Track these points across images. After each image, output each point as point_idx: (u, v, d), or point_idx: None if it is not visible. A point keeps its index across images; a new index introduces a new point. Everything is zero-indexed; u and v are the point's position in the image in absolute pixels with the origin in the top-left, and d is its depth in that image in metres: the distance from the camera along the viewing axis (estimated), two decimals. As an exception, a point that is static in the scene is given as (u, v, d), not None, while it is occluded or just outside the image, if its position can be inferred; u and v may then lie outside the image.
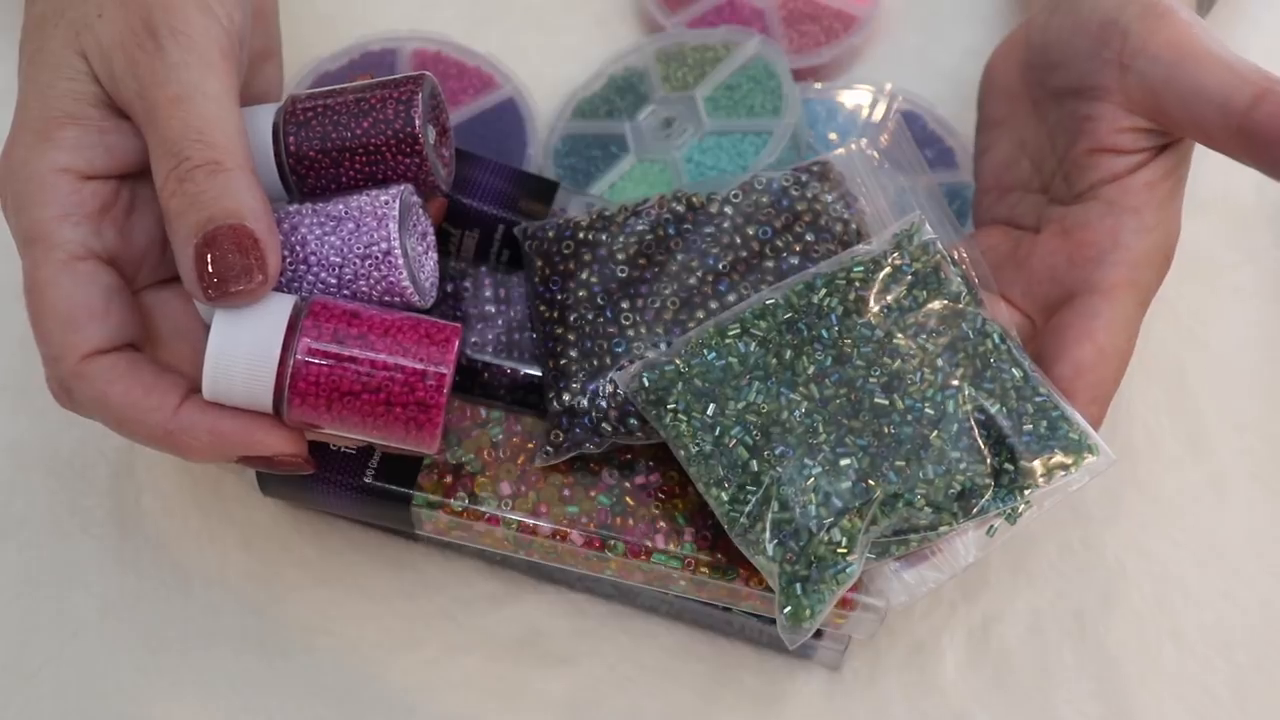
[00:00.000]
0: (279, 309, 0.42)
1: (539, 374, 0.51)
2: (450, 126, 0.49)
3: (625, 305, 0.49)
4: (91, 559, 0.55)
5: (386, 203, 0.44)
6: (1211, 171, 0.63)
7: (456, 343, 0.43)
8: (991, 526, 0.45)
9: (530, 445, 0.49)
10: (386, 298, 0.44)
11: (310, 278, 0.44)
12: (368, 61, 0.65)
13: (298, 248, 0.44)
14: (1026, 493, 0.45)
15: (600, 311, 0.49)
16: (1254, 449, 0.58)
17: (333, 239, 0.44)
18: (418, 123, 0.45)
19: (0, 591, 0.54)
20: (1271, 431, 0.59)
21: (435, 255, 0.48)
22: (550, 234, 0.51)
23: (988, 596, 0.55)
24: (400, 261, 0.44)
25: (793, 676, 0.53)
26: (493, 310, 0.53)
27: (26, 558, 0.55)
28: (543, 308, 0.50)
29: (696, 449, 0.45)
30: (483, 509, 0.48)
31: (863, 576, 0.47)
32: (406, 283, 0.44)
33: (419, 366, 0.42)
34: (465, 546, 0.52)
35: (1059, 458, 0.45)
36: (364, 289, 0.44)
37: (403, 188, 0.45)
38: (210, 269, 0.40)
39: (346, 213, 0.44)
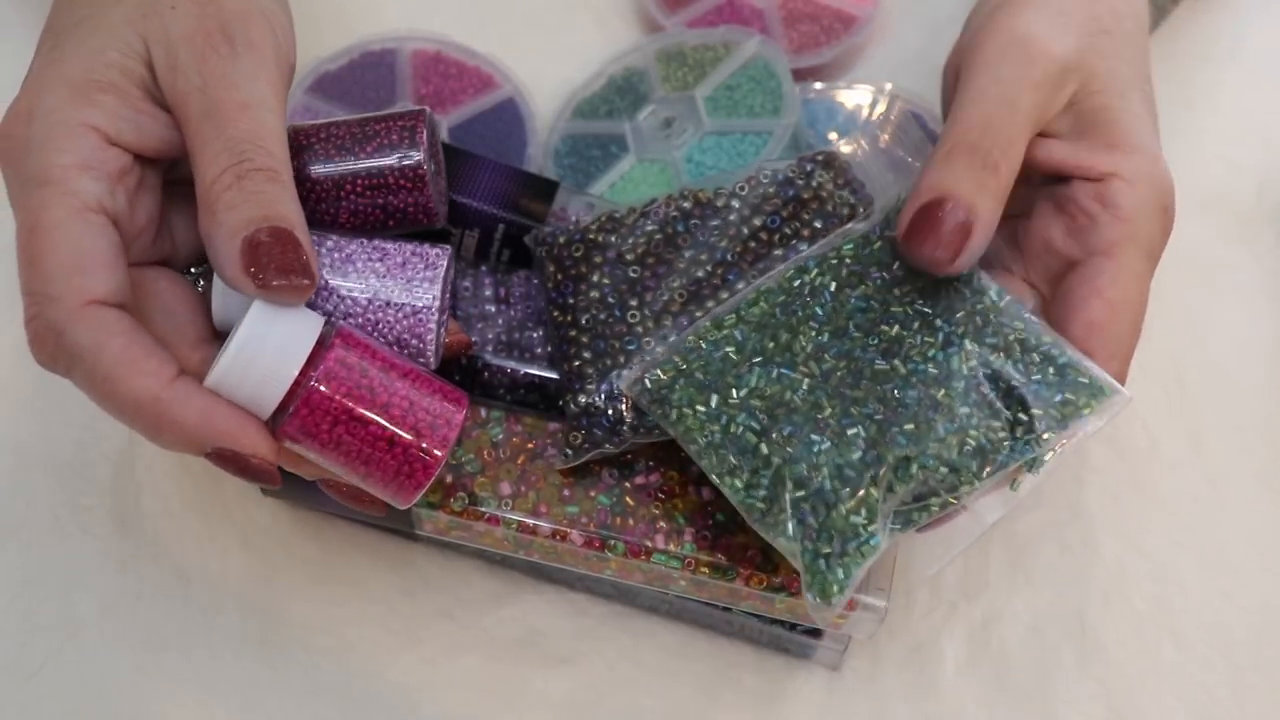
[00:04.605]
0: (311, 323, 0.42)
1: (539, 374, 0.51)
2: (444, 167, 0.49)
3: (634, 303, 0.49)
4: (91, 559, 0.55)
5: (438, 255, 0.45)
6: (1212, 172, 0.63)
7: (466, 409, 0.43)
8: (1015, 480, 0.45)
9: (530, 445, 0.49)
10: (398, 345, 0.44)
11: (337, 299, 0.44)
12: (368, 61, 0.65)
13: (338, 272, 0.44)
14: (1045, 437, 0.44)
15: (611, 311, 0.49)
16: (1254, 449, 0.58)
17: (378, 267, 0.44)
18: (423, 148, 0.45)
19: (0, 591, 0.54)
20: (1271, 431, 0.59)
21: (448, 324, 0.48)
22: (561, 239, 0.51)
23: (988, 596, 0.55)
24: (433, 317, 0.44)
25: (793, 676, 0.53)
26: (493, 310, 0.53)
27: (26, 558, 0.55)
28: (556, 312, 0.50)
29: (705, 440, 0.45)
30: (482, 509, 0.48)
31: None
32: (430, 337, 0.44)
33: (431, 418, 0.42)
34: (465, 546, 0.52)
35: (1073, 401, 0.44)
36: (384, 330, 0.44)
37: (451, 250, 0.46)
38: (260, 259, 0.40)
39: (397, 251, 0.45)
